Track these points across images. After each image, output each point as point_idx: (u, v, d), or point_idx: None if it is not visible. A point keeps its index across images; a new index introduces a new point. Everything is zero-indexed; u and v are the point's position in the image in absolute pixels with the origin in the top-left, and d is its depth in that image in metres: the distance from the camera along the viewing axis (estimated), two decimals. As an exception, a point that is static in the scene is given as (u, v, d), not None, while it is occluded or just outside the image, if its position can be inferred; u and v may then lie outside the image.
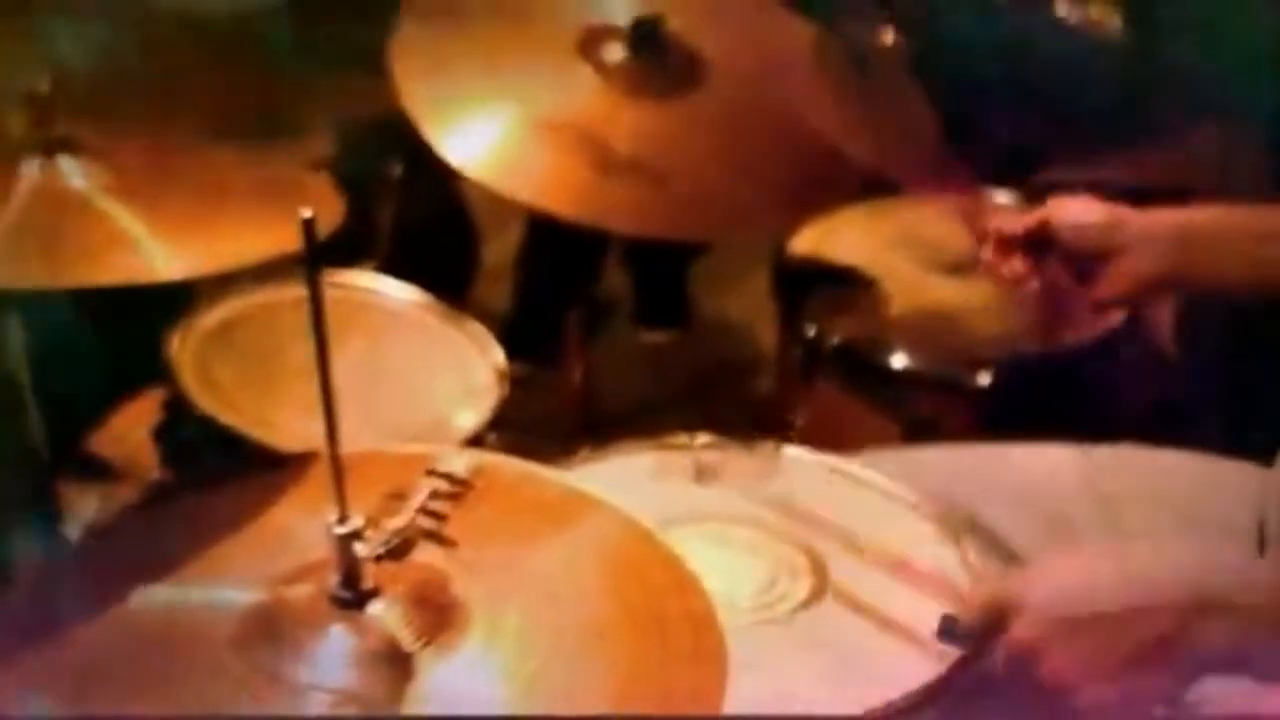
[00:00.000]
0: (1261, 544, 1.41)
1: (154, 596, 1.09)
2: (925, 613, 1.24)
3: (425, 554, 1.10)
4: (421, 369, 1.76)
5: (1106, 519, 1.45)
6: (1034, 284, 1.53)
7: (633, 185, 1.84)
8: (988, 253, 1.57)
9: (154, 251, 1.48)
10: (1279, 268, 1.41)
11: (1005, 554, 1.37)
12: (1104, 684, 1.09)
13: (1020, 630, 1.12)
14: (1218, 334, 1.94)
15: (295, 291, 1.71)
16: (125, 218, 1.50)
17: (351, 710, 0.99)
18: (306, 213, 0.94)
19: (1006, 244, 1.56)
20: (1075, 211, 1.51)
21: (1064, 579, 1.15)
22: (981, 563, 1.33)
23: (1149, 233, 1.45)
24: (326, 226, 1.55)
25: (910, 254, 2.02)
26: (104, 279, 1.46)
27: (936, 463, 1.54)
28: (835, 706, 1.19)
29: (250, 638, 1.03)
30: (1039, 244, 1.53)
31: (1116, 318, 1.82)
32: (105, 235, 1.49)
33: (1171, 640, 1.08)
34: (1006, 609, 1.14)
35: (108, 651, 1.05)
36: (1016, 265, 1.52)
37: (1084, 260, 1.49)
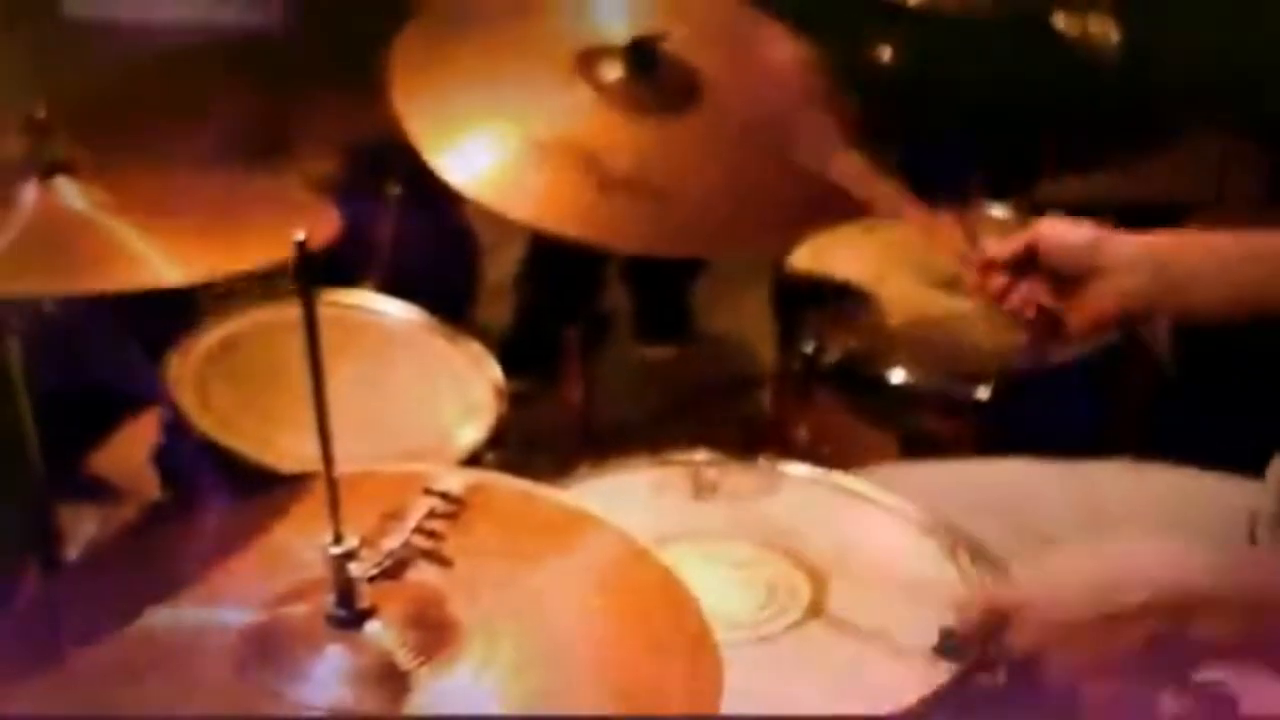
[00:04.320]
0: None
1: (153, 617, 1.09)
2: (923, 627, 1.25)
3: (421, 573, 1.10)
4: (420, 388, 1.76)
5: (1097, 533, 1.45)
6: (1015, 300, 1.52)
7: (631, 203, 1.85)
8: (971, 273, 1.57)
9: (153, 271, 1.49)
10: (1259, 290, 1.41)
11: (999, 569, 1.37)
12: (1106, 680, 1.12)
13: (1019, 637, 1.16)
14: (1214, 349, 1.95)
15: (294, 312, 1.71)
16: (124, 238, 1.51)
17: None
18: (299, 234, 0.94)
19: (991, 267, 1.56)
20: (1059, 231, 1.51)
21: (1057, 582, 1.19)
22: (977, 576, 1.33)
23: (1131, 254, 1.45)
24: (322, 240, 1.56)
25: (908, 269, 2.02)
26: (103, 286, 1.46)
27: (931, 478, 1.54)
28: (835, 718, 1.19)
29: (248, 658, 1.03)
30: (1024, 263, 1.53)
31: (1112, 333, 1.82)
32: (104, 256, 1.49)
33: (1166, 636, 1.11)
34: (1002, 616, 1.17)
35: (106, 672, 1.05)
36: (998, 281, 1.52)
37: (1067, 280, 1.49)
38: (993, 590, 1.27)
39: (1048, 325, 1.48)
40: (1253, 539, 1.42)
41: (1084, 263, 1.46)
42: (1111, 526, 1.45)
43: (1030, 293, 1.48)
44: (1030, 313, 1.48)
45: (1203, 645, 1.11)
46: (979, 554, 1.36)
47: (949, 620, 1.24)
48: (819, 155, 1.65)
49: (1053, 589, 1.18)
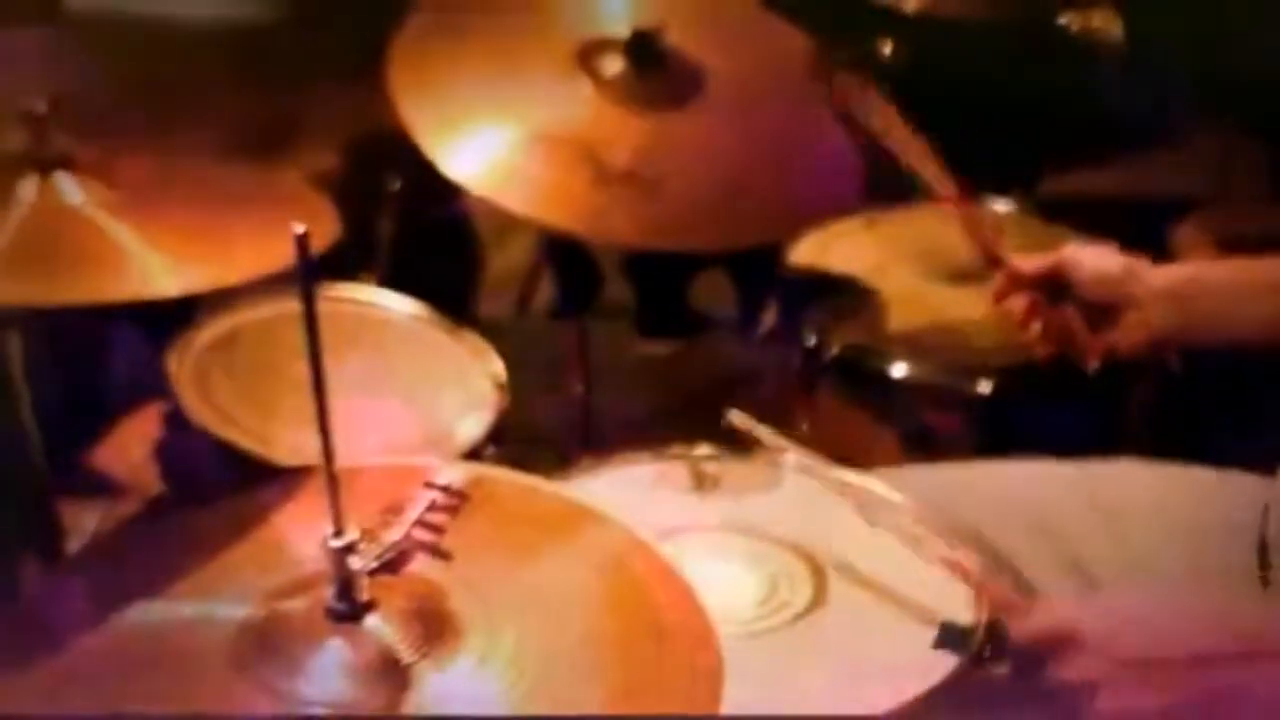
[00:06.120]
0: (1262, 556, 1.41)
1: (153, 611, 1.09)
2: (924, 621, 1.24)
3: (422, 567, 1.10)
4: (421, 382, 1.76)
5: (1109, 533, 1.44)
6: (1036, 325, 1.52)
7: (631, 197, 1.85)
8: (999, 282, 1.57)
9: (153, 267, 1.49)
10: None
11: (1006, 569, 1.37)
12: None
13: (1084, 665, 1.11)
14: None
15: (295, 306, 1.70)
16: (123, 234, 1.51)
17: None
18: (299, 227, 0.94)
19: (1016, 280, 1.56)
20: (1091, 260, 1.50)
21: (1130, 616, 1.15)
22: (984, 574, 1.33)
23: (1163, 287, 1.45)
24: (323, 241, 1.56)
25: (909, 263, 2.02)
26: (102, 296, 1.46)
27: (936, 478, 1.54)
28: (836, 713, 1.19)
29: (247, 652, 1.03)
30: (1051, 286, 1.53)
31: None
32: (103, 252, 1.49)
33: (1237, 689, 1.07)
34: (1064, 637, 1.13)
35: (107, 667, 1.05)
36: (1019, 302, 1.52)
37: (1096, 309, 1.49)
38: (1053, 612, 1.20)
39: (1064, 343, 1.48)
40: (1263, 537, 1.42)
41: (1116, 294, 1.46)
42: (1122, 525, 1.45)
43: (1061, 322, 1.48)
44: (1055, 342, 1.48)
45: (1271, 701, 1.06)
46: (984, 554, 1.36)
47: (951, 614, 1.24)
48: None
49: (1123, 622, 1.13)
